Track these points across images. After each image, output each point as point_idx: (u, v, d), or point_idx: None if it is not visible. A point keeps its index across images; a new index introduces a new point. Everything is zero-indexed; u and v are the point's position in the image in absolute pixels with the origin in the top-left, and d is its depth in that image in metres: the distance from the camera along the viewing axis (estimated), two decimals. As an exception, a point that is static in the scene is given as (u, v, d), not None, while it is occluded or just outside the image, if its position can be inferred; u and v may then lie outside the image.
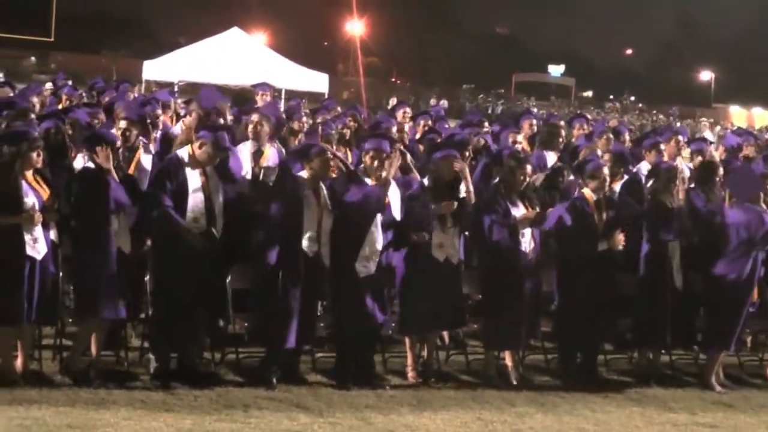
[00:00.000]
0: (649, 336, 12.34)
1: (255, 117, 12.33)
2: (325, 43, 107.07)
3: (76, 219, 10.50)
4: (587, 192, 12.03)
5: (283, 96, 38.39)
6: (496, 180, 12.03)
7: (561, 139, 15.12)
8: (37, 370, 10.56)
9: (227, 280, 11.07)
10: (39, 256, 10.08)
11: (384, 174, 11.04)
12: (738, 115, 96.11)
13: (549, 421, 10.63)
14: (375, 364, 11.60)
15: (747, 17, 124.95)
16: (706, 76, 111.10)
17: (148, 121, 12.61)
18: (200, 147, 10.81)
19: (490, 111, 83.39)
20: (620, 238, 11.78)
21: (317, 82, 36.64)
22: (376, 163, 11.20)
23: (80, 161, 11.28)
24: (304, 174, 11.01)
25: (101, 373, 10.53)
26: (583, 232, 11.83)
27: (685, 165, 14.80)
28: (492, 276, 11.75)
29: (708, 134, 34.69)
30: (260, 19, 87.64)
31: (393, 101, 32.59)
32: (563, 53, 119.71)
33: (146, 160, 11.79)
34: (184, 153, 10.87)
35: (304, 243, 10.84)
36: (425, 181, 11.76)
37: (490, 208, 11.60)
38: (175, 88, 32.47)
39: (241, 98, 35.41)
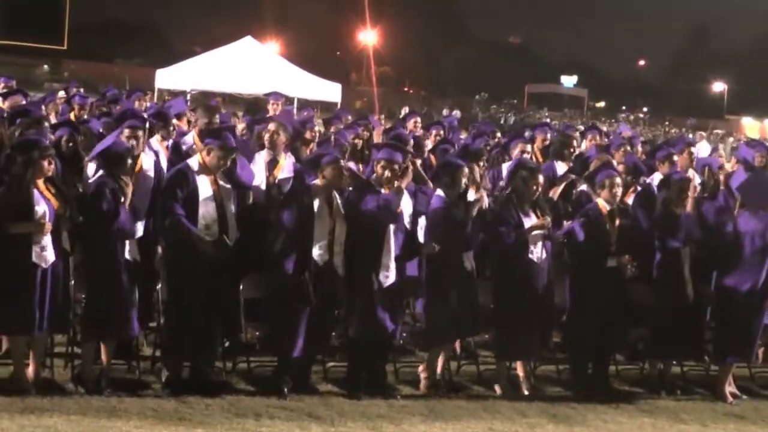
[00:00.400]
0: (662, 346, 12.32)
1: (272, 126, 12.34)
2: (338, 53, 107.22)
3: (87, 229, 10.49)
4: (600, 202, 12.02)
5: (295, 105, 38.50)
6: (509, 190, 12.00)
7: (573, 150, 15.10)
8: (48, 378, 10.57)
9: (240, 289, 11.08)
10: (45, 265, 10.07)
11: (397, 183, 11.05)
12: (751, 126, 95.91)
13: (560, 432, 10.64)
14: (387, 373, 11.60)
15: (760, 28, 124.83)
16: (718, 87, 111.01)
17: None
18: (209, 153, 10.83)
19: (502, 121, 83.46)
20: (628, 260, 11.77)
21: (330, 91, 36.73)
22: (387, 173, 11.19)
23: (91, 169, 11.28)
24: (317, 183, 11.03)
25: (113, 381, 10.55)
26: (596, 242, 11.81)
27: (697, 176, 14.80)
28: (504, 286, 11.73)
29: (704, 145, 34.67)
30: (273, 29, 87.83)
31: (405, 110, 32.66)
32: (576, 64, 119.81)
33: (147, 162, 11.79)
34: (194, 161, 10.90)
35: (315, 252, 10.84)
36: (440, 193, 11.69)
37: (503, 218, 11.59)
38: (188, 97, 32.54)
39: (254, 107, 35.61)
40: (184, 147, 12.57)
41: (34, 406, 9.76)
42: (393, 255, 11.12)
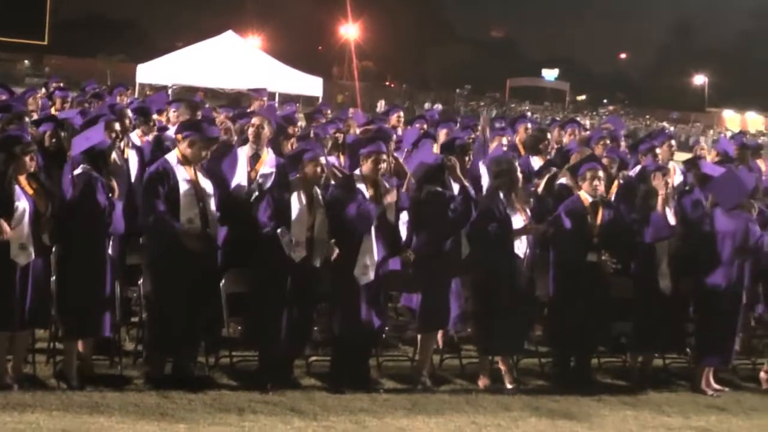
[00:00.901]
0: (643, 340, 12.34)
1: (257, 120, 12.30)
2: (320, 47, 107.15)
3: (70, 224, 10.43)
4: (582, 194, 12.03)
5: (277, 100, 38.43)
6: (494, 185, 11.92)
7: (547, 144, 15.12)
8: (30, 374, 10.52)
9: (221, 284, 11.06)
10: (23, 262, 10.01)
11: (387, 199, 11.10)
12: (732, 119, 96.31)
13: (543, 425, 10.64)
14: (370, 368, 11.59)
15: (741, 22, 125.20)
16: (700, 80, 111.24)
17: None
18: (189, 146, 10.81)
19: (484, 114, 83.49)
20: (607, 257, 11.80)
21: (312, 85, 36.70)
22: (379, 166, 11.22)
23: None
24: (297, 178, 11.02)
25: (95, 377, 10.53)
26: (578, 234, 11.83)
27: (679, 169, 14.85)
28: (486, 280, 11.73)
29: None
30: (255, 23, 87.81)
31: (381, 104, 32.62)
32: (557, 57, 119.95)
33: (131, 155, 11.77)
34: (172, 156, 10.87)
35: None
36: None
37: (489, 213, 11.58)
38: (169, 92, 32.47)
39: (236, 102, 35.57)
40: (166, 142, 12.55)
41: (16, 402, 9.72)
42: (374, 254, 11.10)
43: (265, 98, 18.68)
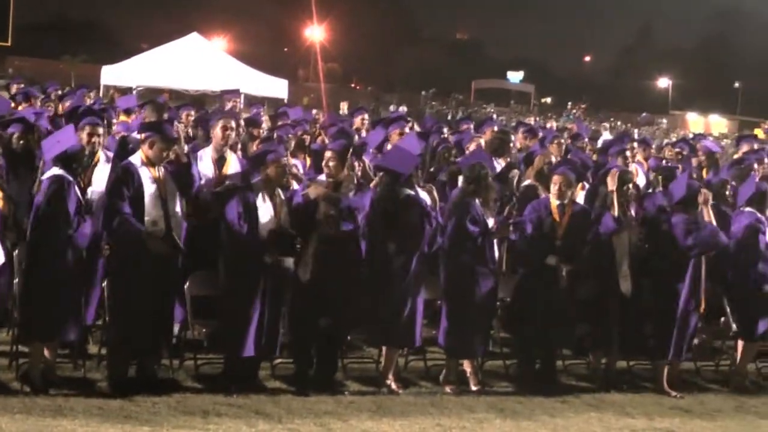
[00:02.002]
0: (599, 342, 12.38)
1: (230, 122, 12.29)
2: (285, 49, 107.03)
3: (36, 228, 10.35)
4: (551, 198, 12.09)
5: (242, 102, 38.30)
6: (468, 189, 11.89)
7: (511, 146, 15.22)
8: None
9: (186, 286, 11.02)
10: None
11: (310, 193, 11.19)
12: (695, 122, 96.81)
13: (508, 427, 10.66)
14: (335, 370, 11.59)
15: (704, 25, 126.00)
16: (664, 83, 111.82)
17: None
18: (150, 147, 10.78)
19: (449, 117, 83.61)
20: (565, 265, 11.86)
21: (277, 87, 36.60)
22: (332, 163, 11.26)
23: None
24: (260, 180, 11.02)
25: (59, 380, 10.47)
26: (541, 236, 11.88)
27: (642, 171, 14.94)
28: (454, 284, 11.72)
29: (607, 136, 35.08)
30: (220, 25, 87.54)
31: (344, 106, 32.61)
32: (523, 59, 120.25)
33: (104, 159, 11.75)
34: (136, 158, 10.82)
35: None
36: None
37: (470, 218, 11.58)
38: (134, 93, 32.32)
39: (200, 103, 35.46)
40: (131, 144, 12.50)
41: (-22, 405, 9.67)
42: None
43: (239, 99, 18.63)
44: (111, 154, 11.86)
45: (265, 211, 10.90)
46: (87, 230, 10.34)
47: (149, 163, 10.75)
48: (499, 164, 14.31)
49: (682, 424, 11.34)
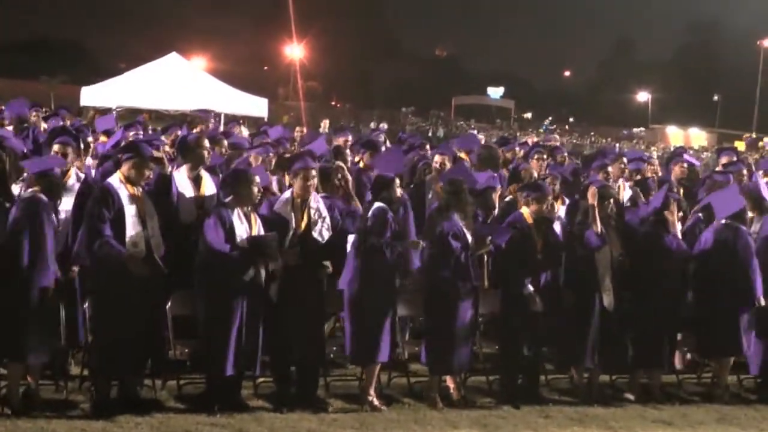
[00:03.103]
0: (580, 357, 12.42)
1: (205, 142, 12.38)
2: (265, 68, 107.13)
3: (7, 249, 10.32)
4: (526, 211, 12.13)
5: (222, 121, 38.30)
6: (446, 203, 11.91)
7: (499, 160, 15.31)
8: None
9: (168, 306, 11.01)
10: None
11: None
12: (675, 135, 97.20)
13: (491, 442, 10.68)
14: (317, 387, 11.58)
15: (682, 38, 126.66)
16: (643, 97, 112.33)
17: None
18: (131, 167, 10.79)
19: (430, 134, 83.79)
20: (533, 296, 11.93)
21: (257, 106, 36.62)
22: (306, 183, 11.33)
23: (16, 190, 11.16)
24: (231, 200, 11.06)
25: (40, 402, 10.43)
26: (521, 252, 11.91)
27: (628, 186, 15.01)
28: (437, 300, 11.73)
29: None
30: (199, 45, 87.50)
31: (325, 124, 32.63)
32: (502, 75, 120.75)
33: (73, 178, 11.74)
34: (115, 179, 10.82)
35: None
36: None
37: (450, 232, 11.60)
38: (114, 114, 32.28)
39: (181, 124, 35.35)
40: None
41: (-40, 429, 9.64)
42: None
43: (212, 120, 18.64)
44: (82, 175, 11.89)
45: (241, 230, 10.90)
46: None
47: (128, 182, 10.75)
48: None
49: (664, 437, 11.39)
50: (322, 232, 11.40)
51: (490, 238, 11.86)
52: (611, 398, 12.60)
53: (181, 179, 11.87)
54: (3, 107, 21.97)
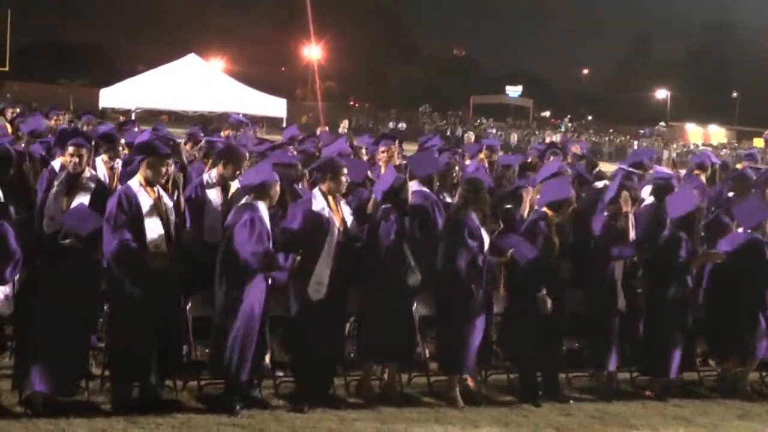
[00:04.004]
0: (596, 355, 12.42)
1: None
2: (283, 68, 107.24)
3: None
4: (551, 213, 12.14)
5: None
6: (464, 201, 11.91)
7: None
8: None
9: (188, 307, 11.03)
10: None
11: None
12: (694, 132, 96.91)
13: (511, 441, 10.68)
14: (334, 387, 11.61)
15: (700, 36, 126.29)
16: (661, 94, 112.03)
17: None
18: (148, 167, 10.82)
19: (448, 133, 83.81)
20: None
21: (275, 107, 36.69)
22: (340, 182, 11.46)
23: None
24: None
25: (62, 403, 10.45)
26: (542, 252, 11.89)
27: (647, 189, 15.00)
28: (452, 298, 11.73)
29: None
30: (217, 46, 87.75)
31: (344, 124, 32.63)
32: (520, 74, 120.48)
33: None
34: (135, 181, 10.85)
35: None
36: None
37: (468, 232, 11.62)
38: (132, 116, 32.42)
39: (204, 125, 35.50)
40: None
41: (-19, 431, 9.67)
42: (328, 268, 11.13)
43: (247, 128, 18.50)
44: (96, 173, 12.00)
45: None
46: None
47: (147, 184, 10.77)
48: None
49: (685, 434, 11.37)
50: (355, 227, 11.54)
51: (511, 251, 11.87)
52: (632, 395, 12.59)
53: (211, 183, 11.89)
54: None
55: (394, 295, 11.40)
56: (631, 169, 14.42)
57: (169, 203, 10.88)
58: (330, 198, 11.33)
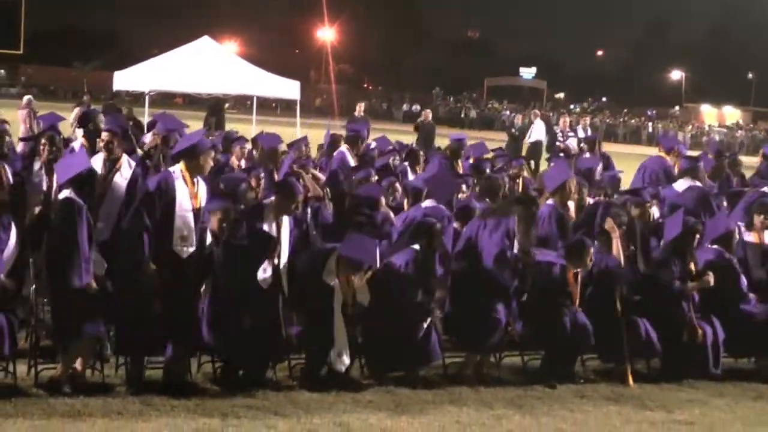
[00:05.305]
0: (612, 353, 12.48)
1: None
2: (297, 51, 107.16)
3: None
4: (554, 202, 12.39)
5: (255, 103, 38.34)
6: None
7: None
8: (11, 383, 10.47)
9: (202, 290, 11.07)
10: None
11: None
12: (709, 113, 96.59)
13: (527, 423, 10.65)
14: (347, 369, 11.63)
15: (716, 17, 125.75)
16: (676, 75, 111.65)
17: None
18: (186, 164, 10.88)
19: (462, 115, 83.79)
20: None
21: (289, 89, 36.56)
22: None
23: None
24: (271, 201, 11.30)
25: (77, 384, 10.48)
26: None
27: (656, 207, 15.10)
28: (469, 278, 11.79)
29: (539, 124, 35.97)
30: (231, 28, 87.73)
31: (360, 107, 32.67)
32: (534, 56, 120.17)
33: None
34: (176, 169, 10.92)
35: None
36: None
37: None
38: (146, 99, 32.44)
39: (217, 107, 35.51)
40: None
41: (-2, 411, 9.70)
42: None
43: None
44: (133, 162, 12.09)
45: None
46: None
47: (187, 176, 10.83)
48: None
49: (701, 416, 11.30)
50: None
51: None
52: (647, 377, 12.56)
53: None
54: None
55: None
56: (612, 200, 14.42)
57: (207, 196, 11.02)
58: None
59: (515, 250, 11.74)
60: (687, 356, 12.44)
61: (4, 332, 10.06)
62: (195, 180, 10.85)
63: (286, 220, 11.18)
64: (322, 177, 15.05)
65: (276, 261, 11.00)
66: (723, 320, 12.74)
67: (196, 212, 10.78)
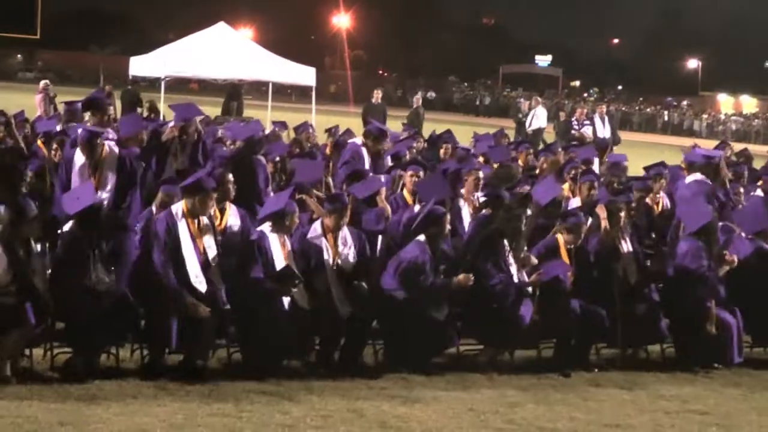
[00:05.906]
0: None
1: None
2: (312, 37, 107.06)
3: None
4: (560, 239, 12.38)
5: (270, 89, 38.32)
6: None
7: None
8: (27, 366, 10.50)
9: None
10: None
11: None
12: (726, 102, 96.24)
13: (541, 411, 10.63)
14: (362, 350, 11.70)
15: (732, 4, 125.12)
16: (692, 64, 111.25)
17: None
18: (190, 202, 10.94)
19: (477, 102, 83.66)
20: None
21: (304, 75, 36.55)
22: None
23: None
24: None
25: (92, 368, 10.51)
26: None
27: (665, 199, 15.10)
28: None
29: (540, 110, 35.93)
30: (246, 14, 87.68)
31: (377, 95, 32.57)
32: (550, 44, 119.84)
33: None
34: (177, 208, 10.98)
35: None
36: None
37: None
38: (162, 84, 32.48)
39: (235, 92, 35.48)
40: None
41: (13, 394, 9.72)
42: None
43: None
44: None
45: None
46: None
47: (190, 215, 10.91)
48: None
49: (716, 405, 11.26)
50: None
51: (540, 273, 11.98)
52: (661, 365, 12.55)
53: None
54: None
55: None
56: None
57: (210, 240, 11.02)
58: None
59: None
60: (706, 345, 12.40)
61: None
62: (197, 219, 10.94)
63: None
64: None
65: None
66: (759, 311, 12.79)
67: (202, 252, 10.88)
